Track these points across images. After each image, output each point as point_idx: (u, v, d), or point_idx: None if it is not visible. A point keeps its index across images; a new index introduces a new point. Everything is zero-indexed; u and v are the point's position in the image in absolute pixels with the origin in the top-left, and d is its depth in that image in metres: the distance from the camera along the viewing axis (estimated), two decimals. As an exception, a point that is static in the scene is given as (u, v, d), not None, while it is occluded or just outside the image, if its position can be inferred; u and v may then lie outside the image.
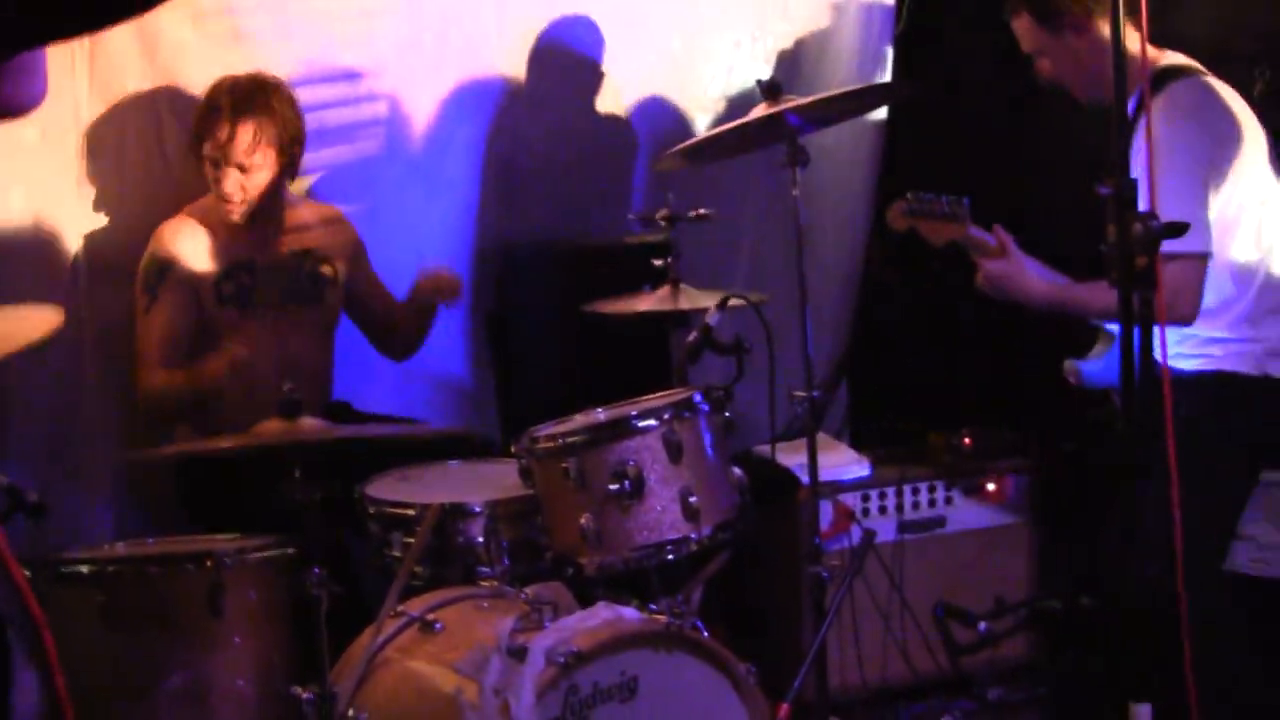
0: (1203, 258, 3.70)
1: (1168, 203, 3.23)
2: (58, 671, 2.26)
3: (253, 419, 3.40)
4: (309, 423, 3.33)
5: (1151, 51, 2.76)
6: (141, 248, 4.20)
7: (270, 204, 4.23)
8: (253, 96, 4.09)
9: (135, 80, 4.26)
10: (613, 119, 5.17)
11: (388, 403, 4.66)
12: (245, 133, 4.06)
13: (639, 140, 5.20)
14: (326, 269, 4.36)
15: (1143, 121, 3.24)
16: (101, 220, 4.23)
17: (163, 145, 4.32)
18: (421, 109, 4.79)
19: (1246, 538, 4.13)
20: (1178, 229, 2.63)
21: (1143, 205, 2.71)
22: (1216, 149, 3.78)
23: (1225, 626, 3.74)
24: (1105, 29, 3.87)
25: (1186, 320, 3.72)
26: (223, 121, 4.06)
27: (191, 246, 4.16)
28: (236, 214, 4.13)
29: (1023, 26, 4.05)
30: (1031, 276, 3.98)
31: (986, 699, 4.47)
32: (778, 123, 3.74)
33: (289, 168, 4.20)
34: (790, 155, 3.74)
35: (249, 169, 4.08)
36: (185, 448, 4.14)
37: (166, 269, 4.14)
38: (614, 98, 5.15)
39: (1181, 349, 3.83)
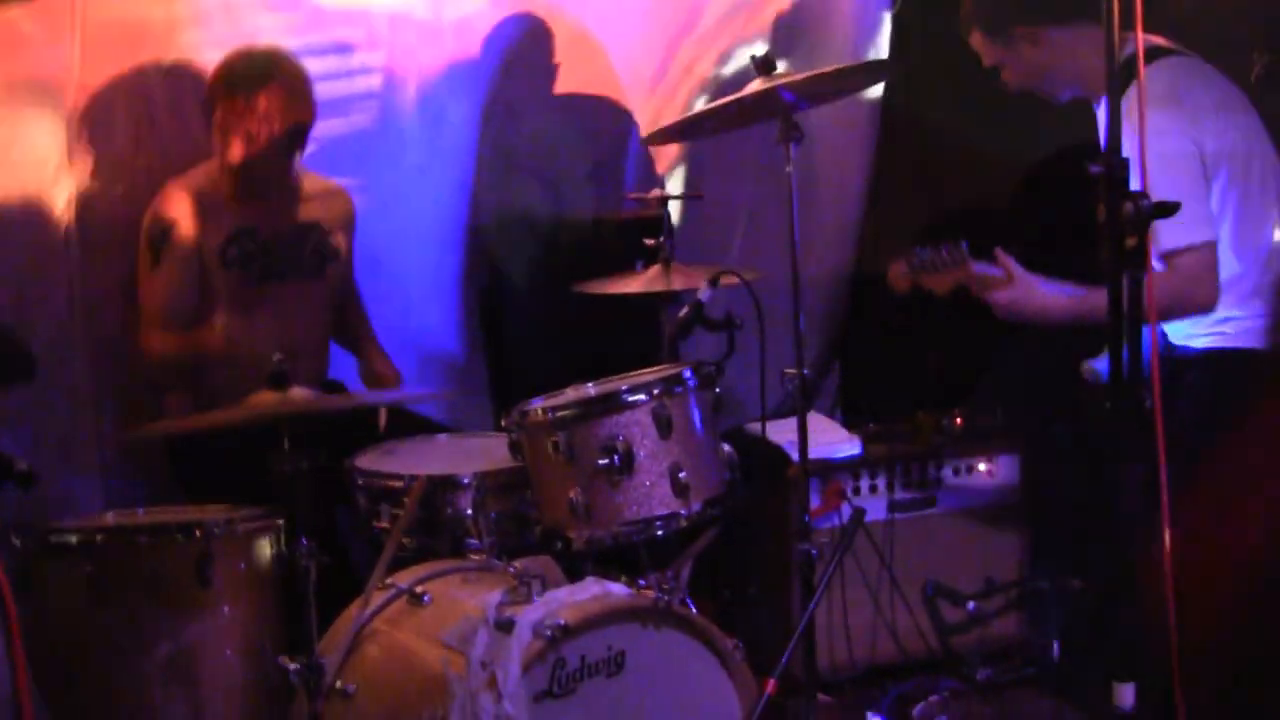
0: (1210, 245, 3.72)
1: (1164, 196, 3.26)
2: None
3: (247, 390, 3.40)
4: (299, 393, 3.33)
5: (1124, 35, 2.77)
6: (133, 217, 4.21)
7: (276, 173, 4.25)
8: (267, 69, 4.13)
9: (127, 50, 4.24)
10: (607, 93, 5.16)
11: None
12: (258, 103, 4.07)
13: (633, 115, 5.19)
14: (330, 244, 4.38)
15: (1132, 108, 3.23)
16: (93, 189, 4.22)
17: (153, 114, 4.31)
18: (415, 83, 4.78)
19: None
20: (1168, 209, 2.63)
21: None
22: (1201, 130, 3.78)
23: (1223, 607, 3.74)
24: (1061, 34, 3.90)
25: (1209, 308, 3.75)
26: (237, 91, 4.08)
27: (195, 208, 4.17)
28: (235, 159, 4.13)
29: (978, 43, 4.09)
30: (1044, 294, 3.95)
31: (975, 679, 4.46)
32: (771, 98, 3.73)
33: (297, 140, 4.20)
34: (784, 131, 3.72)
35: (258, 137, 4.09)
36: (172, 425, 4.14)
37: (170, 228, 4.15)
38: (609, 72, 5.14)
39: (1194, 329, 3.84)
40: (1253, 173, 3.86)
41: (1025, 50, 4.00)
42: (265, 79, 4.10)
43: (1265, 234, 3.86)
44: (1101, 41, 3.67)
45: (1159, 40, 3.93)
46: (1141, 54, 3.07)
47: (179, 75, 4.31)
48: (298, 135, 4.18)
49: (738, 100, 3.78)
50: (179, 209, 4.15)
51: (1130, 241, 2.59)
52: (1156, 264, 3.69)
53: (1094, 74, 3.89)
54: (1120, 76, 2.80)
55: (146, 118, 4.30)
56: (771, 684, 3.40)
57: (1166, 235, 3.69)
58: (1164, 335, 3.83)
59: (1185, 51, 3.94)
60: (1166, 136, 3.66)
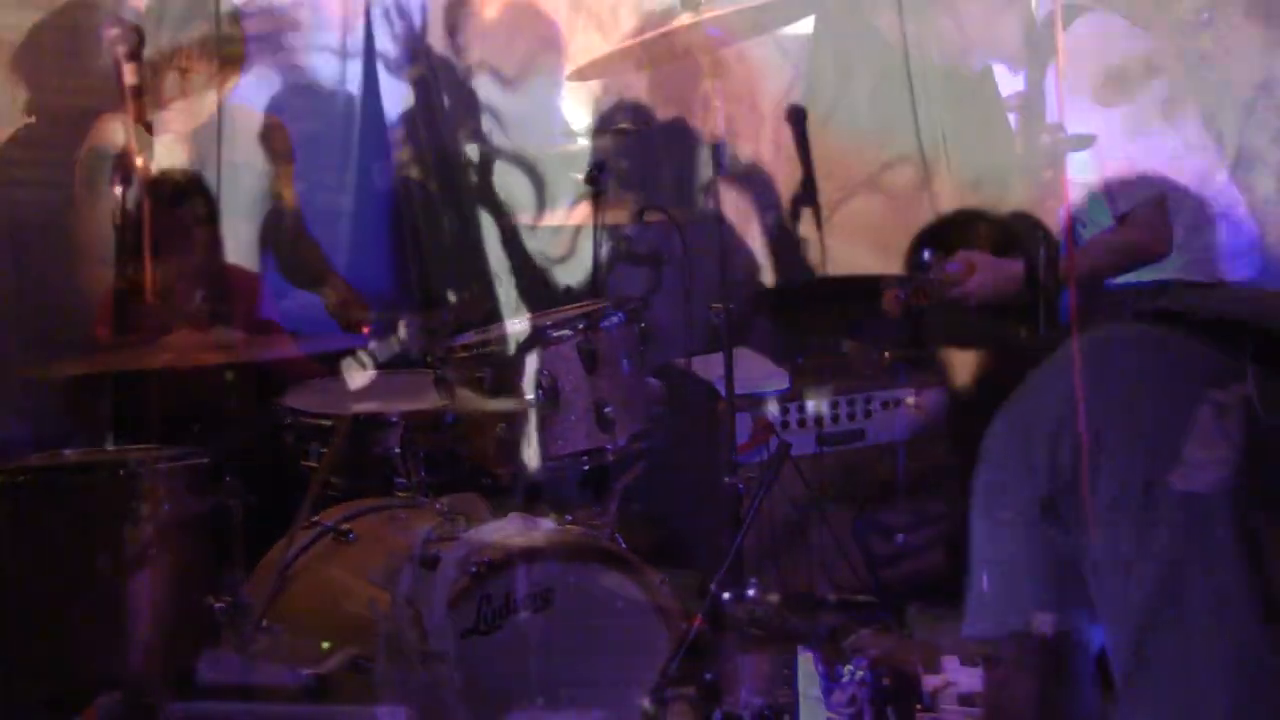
0: (1160, 196, 3.72)
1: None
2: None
3: (170, 329, 3.38)
4: (221, 334, 3.31)
5: None
6: (55, 153, 4.18)
7: (207, 113, 4.20)
8: (197, 9, 4.08)
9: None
10: (540, 29, 5.12)
11: (317, 319, 4.64)
12: (189, 42, 4.04)
13: (564, 51, 5.16)
14: (263, 185, 4.35)
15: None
16: (20, 125, 4.19)
17: (78, 52, 4.27)
18: (344, 22, 4.74)
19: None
20: (1083, 141, 2.64)
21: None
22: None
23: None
24: None
25: (1166, 254, 3.74)
26: (167, 30, 4.05)
27: (129, 143, 4.13)
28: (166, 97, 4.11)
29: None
30: (1006, 264, 3.89)
31: (905, 611, 4.50)
32: (698, 33, 3.71)
33: (229, 79, 4.16)
34: (710, 68, 3.71)
35: (188, 73, 4.06)
36: (88, 365, 4.09)
37: (106, 161, 4.11)
38: (538, 6, 5.10)
39: None
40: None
41: (943, 22, 3.98)
42: (194, 18, 4.05)
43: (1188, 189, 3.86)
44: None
45: None
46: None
47: (106, 12, 4.26)
48: (230, 74, 4.15)
49: (663, 34, 3.76)
50: (114, 141, 4.12)
51: (1046, 174, 2.61)
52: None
53: (1007, 39, 3.84)
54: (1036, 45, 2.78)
55: (74, 54, 4.26)
56: (699, 619, 3.42)
57: (1123, 199, 3.71)
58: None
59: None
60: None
